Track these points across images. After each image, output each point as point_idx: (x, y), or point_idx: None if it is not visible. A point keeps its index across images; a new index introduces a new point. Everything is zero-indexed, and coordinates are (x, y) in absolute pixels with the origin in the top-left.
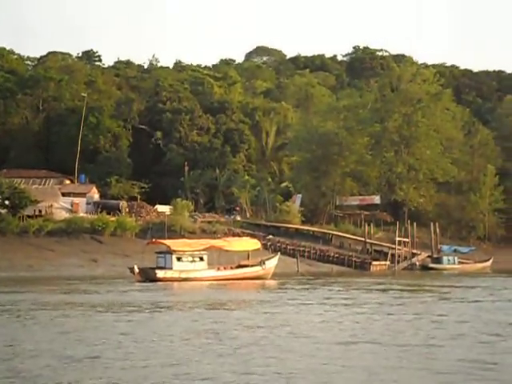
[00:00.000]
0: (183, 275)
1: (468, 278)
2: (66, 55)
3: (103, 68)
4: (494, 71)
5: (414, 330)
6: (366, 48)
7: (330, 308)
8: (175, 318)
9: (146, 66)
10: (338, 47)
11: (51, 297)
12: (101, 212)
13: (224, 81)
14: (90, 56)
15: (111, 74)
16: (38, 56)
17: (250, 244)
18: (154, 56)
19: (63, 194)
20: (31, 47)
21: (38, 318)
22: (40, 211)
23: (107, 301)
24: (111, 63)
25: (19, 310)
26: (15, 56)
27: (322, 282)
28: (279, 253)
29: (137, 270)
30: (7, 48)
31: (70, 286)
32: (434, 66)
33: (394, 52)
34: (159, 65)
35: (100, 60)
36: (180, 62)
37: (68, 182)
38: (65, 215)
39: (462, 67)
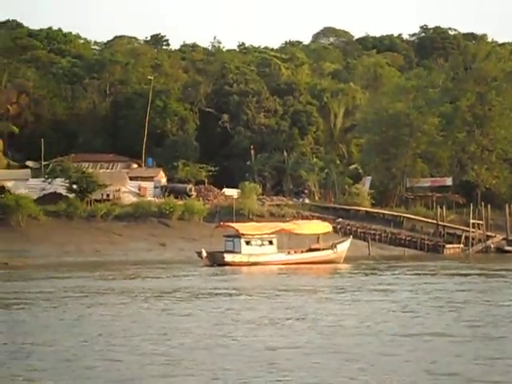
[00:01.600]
0: (252, 259)
1: None
2: (132, 39)
3: (169, 51)
4: None
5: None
6: (436, 27)
7: (412, 296)
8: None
9: (211, 49)
10: (406, 27)
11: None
12: (168, 196)
13: (291, 62)
14: (157, 40)
15: (177, 57)
16: (104, 40)
17: (320, 227)
18: (215, 38)
19: (131, 178)
20: (98, 32)
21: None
22: (108, 195)
23: (172, 287)
24: (177, 47)
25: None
26: (82, 40)
27: (396, 265)
28: (351, 236)
29: (205, 254)
30: (74, 32)
31: (137, 270)
32: (504, 44)
33: (463, 31)
34: (223, 47)
35: (168, 44)
36: (243, 44)
37: (135, 165)
38: (132, 199)
39: None
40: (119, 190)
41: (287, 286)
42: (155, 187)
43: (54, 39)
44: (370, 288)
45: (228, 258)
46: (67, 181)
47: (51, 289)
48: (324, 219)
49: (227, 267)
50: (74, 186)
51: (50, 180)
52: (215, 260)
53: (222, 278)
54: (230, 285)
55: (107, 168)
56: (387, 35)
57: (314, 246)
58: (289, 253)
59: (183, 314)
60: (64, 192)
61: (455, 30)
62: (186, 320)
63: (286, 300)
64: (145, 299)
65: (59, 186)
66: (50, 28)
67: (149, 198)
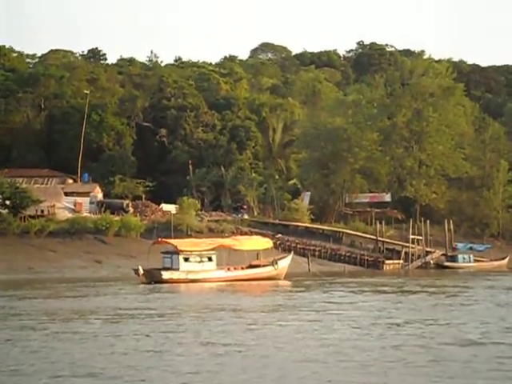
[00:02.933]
0: (191, 276)
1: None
2: (68, 53)
3: (106, 66)
4: (503, 66)
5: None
6: (372, 43)
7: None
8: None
9: (148, 64)
10: (344, 43)
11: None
12: (104, 211)
13: (230, 77)
14: (94, 54)
15: (114, 71)
16: (39, 54)
17: (261, 243)
18: (152, 53)
19: (66, 194)
20: (32, 45)
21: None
22: (42, 211)
23: (104, 307)
24: (114, 61)
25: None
26: (15, 54)
27: (337, 282)
28: (292, 252)
29: (141, 272)
30: (7, 46)
31: (65, 288)
32: (441, 61)
33: (399, 47)
34: (160, 61)
35: (105, 58)
36: (181, 58)
37: (71, 181)
38: (67, 215)
39: (470, 62)
40: (54, 206)
41: (222, 306)
42: (91, 203)
43: None
44: (302, 308)
45: (166, 275)
46: (0, 196)
47: None
48: (263, 235)
49: (165, 285)
50: (7, 202)
51: None
52: (152, 277)
53: (155, 297)
54: (159, 304)
55: (42, 183)
56: (325, 51)
57: (254, 263)
58: (228, 269)
59: (83, 338)
60: None
61: (392, 46)
62: (80, 345)
63: (219, 321)
64: (57, 321)
65: None
66: None
67: (84, 214)
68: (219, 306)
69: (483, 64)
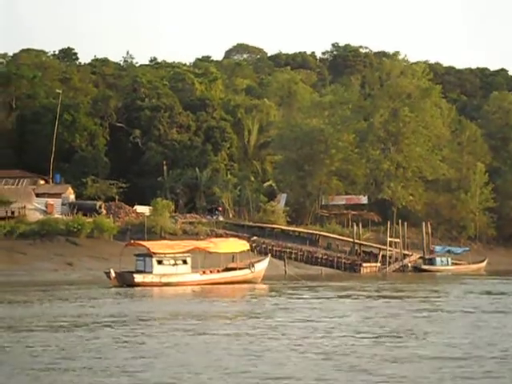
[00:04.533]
0: (164, 279)
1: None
2: (40, 52)
3: (79, 66)
4: (478, 68)
5: None
6: (347, 45)
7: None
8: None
9: (122, 64)
10: (319, 45)
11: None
12: (77, 213)
13: (204, 77)
14: (67, 54)
15: (87, 71)
16: (10, 53)
17: (237, 245)
18: (128, 53)
19: (37, 195)
20: (3, 44)
21: None
22: (12, 212)
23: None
24: (88, 61)
25: None
26: None
27: (314, 285)
28: (270, 255)
29: (113, 275)
30: None
31: (32, 292)
32: (416, 63)
33: (374, 49)
34: (135, 62)
35: (77, 58)
36: (156, 59)
37: (42, 182)
38: (39, 216)
39: (446, 64)
40: (25, 207)
41: (194, 313)
42: (63, 204)
43: None
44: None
45: (138, 278)
46: None
47: None
48: (239, 237)
49: (137, 288)
50: None
51: None
52: (124, 280)
53: (122, 301)
54: (117, 311)
55: (12, 184)
56: (300, 52)
57: (230, 266)
58: (204, 272)
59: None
60: None
61: (366, 47)
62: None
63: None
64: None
65: None
66: None
67: (56, 216)
68: (179, 313)
69: (458, 66)
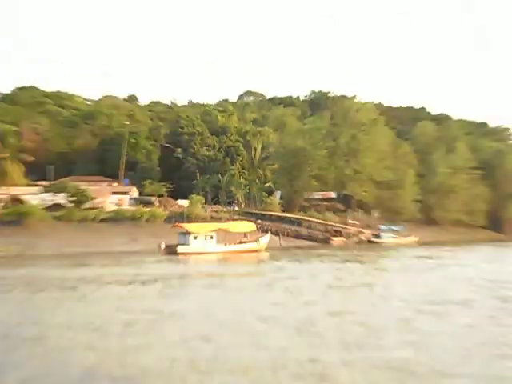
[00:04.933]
0: (198, 250)
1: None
2: (114, 97)
3: (140, 106)
4: (408, 107)
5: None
6: (319, 91)
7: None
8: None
9: (169, 104)
10: (302, 90)
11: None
12: (139, 205)
13: (225, 113)
14: (132, 98)
15: (145, 109)
16: (95, 98)
17: (247, 226)
18: (173, 97)
19: (112, 193)
20: (90, 91)
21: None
22: (96, 205)
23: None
24: (147, 102)
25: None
26: (79, 98)
27: (299, 252)
28: (269, 233)
29: (163, 247)
30: (71, 92)
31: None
32: (367, 102)
33: (339, 94)
34: (178, 103)
35: (138, 100)
36: (191, 101)
37: (116, 184)
38: (113, 207)
39: (386, 104)
40: (104, 202)
41: (217, 272)
42: (130, 199)
43: (60, 98)
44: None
45: (180, 249)
46: (67, 195)
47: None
48: (248, 221)
49: (179, 256)
50: (72, 199)
51: (55, 194)
52: (171, 251)
53: (169, 264)
54: (178, 271)
55: (96, 186)
56: (289, 96)
57: (243, 240)
58: (225, 245)
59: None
60: (65, 203)
61: (333, 92)
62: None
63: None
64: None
65: (62, 198)
66: (58, 91)
67: (125, 207)
68: (207, 272)
69: (395, 105)
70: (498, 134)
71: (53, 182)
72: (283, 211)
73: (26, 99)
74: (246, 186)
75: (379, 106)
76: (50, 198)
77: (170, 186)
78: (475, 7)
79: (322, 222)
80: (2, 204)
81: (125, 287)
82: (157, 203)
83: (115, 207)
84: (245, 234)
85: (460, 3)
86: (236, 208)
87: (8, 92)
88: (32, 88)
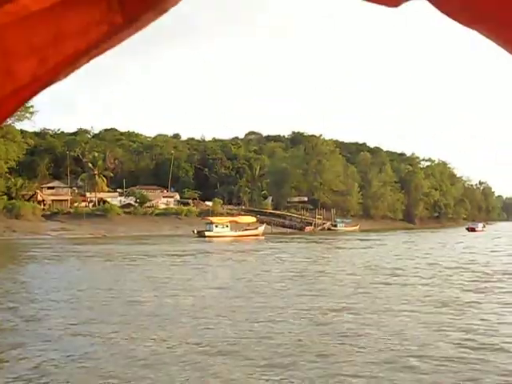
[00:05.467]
0: (219, 234)
1: (355, 234)
2: (165, 135)
3: (182, 141)
4: (354, 142)
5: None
6: (298, 132)
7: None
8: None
9: (200, 139)
10: (286, 132)
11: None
12: (180, 205)
13: (236, 146)
14: (176, 135)
15: (185, 143)
16: (153, 134)
17: (250, 219)
18: (202, 134)
19: (163, 197)
20: (148, 130)
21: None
22: (153, 204)
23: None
24: (185, 138)
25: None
26: (142, 136)
27: (286, 236)
28: (265, 224)
29: (196, 232)
30: (137, 132)
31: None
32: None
33: (310, 133)
34: (206, 138)
35: (180, 137)
36: (215, 138)
37: (165, 191)
38: (164, 206)
39: (340, 140)
40: (157, 202)
41: (239, 249)
42: (174, 201)
43: (130, 135)
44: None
45: (207, 234)
46: (134, 198)
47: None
48: (251, 215)
49: (206, 238)
50: (138, 200)
51: (127, 197)
52: (201, 235)
53: (204, 244)
54: (206, 247)
55: (152, 192)
56: (278, 135)
57: (248, 228)
58: (235, 231)
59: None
60: (133, 202)
61: (306, 133)
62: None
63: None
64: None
65: (131, 200)
66: (128, 131)
67: (171, 206)
68: (224, 249)
69: (346, 141)
70: (410, 160)
71: (125, 190)
72: (273, 209)
73: (109, 136)
74: (249, 193)
75: (336, 141)
76: (124, 200)
77: (200, 192)
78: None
79: (299, 216)
80: (93, 203)
81: (177, 258)
82: (192, 204)
83: (165, 206)
84: (248, 224)
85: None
86: (242, 207)
87: (97, 132)
88: (112, 129)
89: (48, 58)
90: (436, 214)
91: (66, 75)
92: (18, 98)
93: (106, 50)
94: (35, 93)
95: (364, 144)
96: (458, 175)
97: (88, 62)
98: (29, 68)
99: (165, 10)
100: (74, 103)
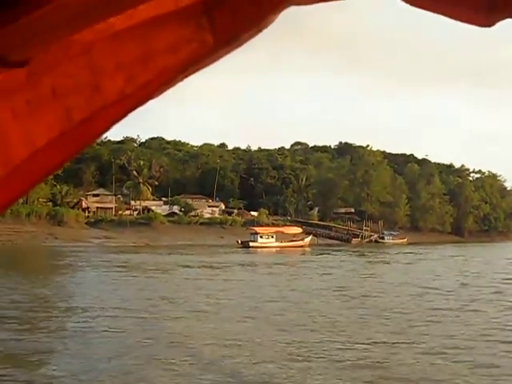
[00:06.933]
0: (263, 245)
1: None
2: (211, 144)
3: (227, 150)
4: (401, 153)
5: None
6: (345, 143)
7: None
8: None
9: (245, 149)
10: (333, 142)
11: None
12: (225, 214)
13: (282, 155)
14: (222, 145)
15: (230, 152)
16: (200, 143)
17: (296, 230)
18: (248, 144)
19: (208, 206)
20: (196, 140)
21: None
22: (197, 214)
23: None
24: (231, 148)
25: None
26: (188, 145)
27: (332, 247)
28: (311, 235)
29: (239, 242)
30: (183, 141)
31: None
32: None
33: (356, 144)
34: (252, 148)
35: (227, 146)
36: (260, 147)
37: (210, 200)
38: (208, 215)
39: (388, 151)
40: (202, 211)
41: (282, 260)
42: (219, 210)
43: (176, 144)
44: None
45: (251, 244)
46: (179, 207)
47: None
48: (297, 226)
49: (250, 249)
50: (183, 209)
51: (171, 206)
52: (245, 245)
53: (246, 255)
54: (248, 258)
55: (197, 201)
56: (324, 145)
57: (293, 239)
58: (281, 242)
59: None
60: (177, 211)
61: (352, 144)
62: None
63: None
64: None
65: (175, 209)
66: (174, 139)
67: (216, 215)
68: (269, 260)
69: (393, 151)
70: (459, 172)
71: (170, 198)
72: (319, 220)
73: (155, 145)
74: (294, 204)
75: (383, 152)
76: (168, 209)
77: (245, 202)
78: None
79: (345, 228)
80: (137, 211)
81: (218, 270)
82: (237, 213)
83: (209, 215)
84: (294, 234)
85: None
86: (288, 218)
87: (143, 140)
88: (159, 138)
89: (136, 76)
90: (486, 228)
91: (159, 93)
92: (109, 115)
93: (198, 68)
94: (127, 110)
95: (411, 155)
96: (508, 188)
97: (182, 80)
98: (116, 84)
99: (258, 31)
100: None
